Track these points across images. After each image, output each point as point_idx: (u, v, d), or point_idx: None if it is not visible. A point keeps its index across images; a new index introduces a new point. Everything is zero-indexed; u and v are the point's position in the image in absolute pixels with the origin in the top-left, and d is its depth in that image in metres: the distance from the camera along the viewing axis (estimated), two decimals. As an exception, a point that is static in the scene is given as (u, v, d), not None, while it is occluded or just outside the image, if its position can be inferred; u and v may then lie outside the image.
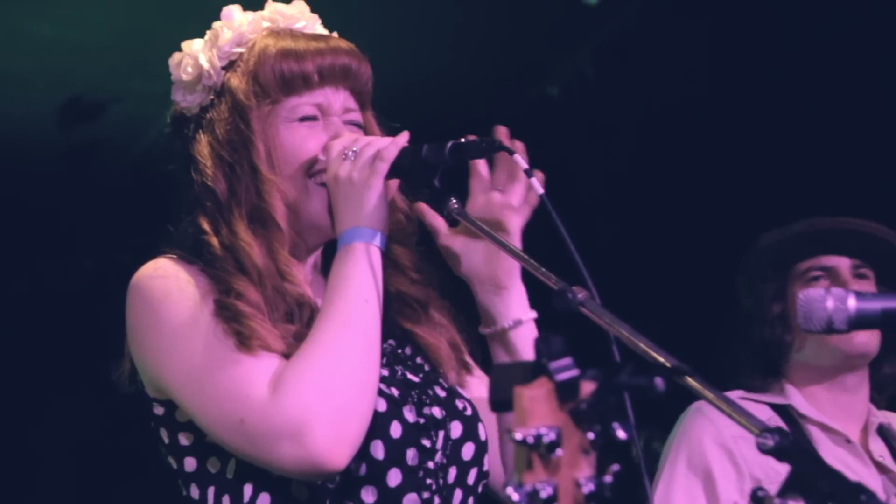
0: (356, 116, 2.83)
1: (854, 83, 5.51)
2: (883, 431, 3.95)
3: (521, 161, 2.61)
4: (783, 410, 3.88)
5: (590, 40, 6.02)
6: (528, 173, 2.60)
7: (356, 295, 2.64)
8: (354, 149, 2.71)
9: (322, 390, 2.54)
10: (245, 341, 2.57)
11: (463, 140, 2.69)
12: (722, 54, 5.65)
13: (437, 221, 2.82)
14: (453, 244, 2.82)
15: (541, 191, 2.58)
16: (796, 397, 3.90)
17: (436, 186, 2.71)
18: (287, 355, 2.59)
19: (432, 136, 2.73)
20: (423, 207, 2.80)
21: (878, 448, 3.88)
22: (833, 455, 3.80)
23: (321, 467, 2.52)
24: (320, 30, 2.88)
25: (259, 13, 2.85)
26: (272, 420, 2.52)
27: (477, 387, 2.86)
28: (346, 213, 2.69)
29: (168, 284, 2.65)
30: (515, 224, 2.76)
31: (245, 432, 2.54)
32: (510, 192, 2.77)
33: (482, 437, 2.77)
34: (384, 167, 2.68)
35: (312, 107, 2.77)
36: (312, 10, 2.89)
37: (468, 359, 2.89)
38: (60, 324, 5.92)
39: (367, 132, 2.84)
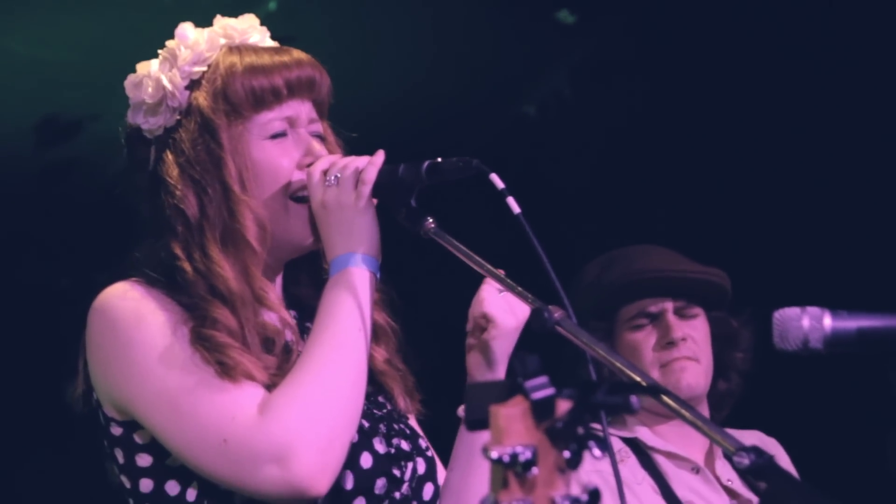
0: (319, 128, 2.83)
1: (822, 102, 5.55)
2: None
3: (498, 181, 2.60)
4: (632, 443, 3.91)
5: (567, 60, 6.03)
6: (504, 194, 2.59)
7: (349, 322, 2.63)
8: (336, 174, 2.70)
9: (311, 416, 2.53)
10: (229, 371, 2.56)
11: (439, 160, 2.69)
12: (699, 73, 5.67)
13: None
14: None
15: (517, 210, 2.58)
16: (641, 430, 3.93)
17: (412, 206, 2.71)
18: (268, 386, 2.59)
19: (409, 155, 2.73)
20: None
21: (726, 472, 3.87)
22: (684, 484, 3.82)
23: (303, 493, 2.52)
24: (270, 43, 2.86)
25: (212, 30, 2.82)
26: (258, 441, 2.52)
27: (414, 423, 2.87)
28: (338, 240, 2.69)
29: (139, 307, 2.63)
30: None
31: (227, 453, 2.53)
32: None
33: (439, 481, 2.79)
34: (367, 189, 2.68)
35: (282, 121, 2.76)
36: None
37: (415, 390, 2.88)
38: (36, 342, 5.89)
39: (325, 141, 2.83)
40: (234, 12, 2.86)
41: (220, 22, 2.84)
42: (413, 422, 2.87)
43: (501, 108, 6.10)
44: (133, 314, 2.63)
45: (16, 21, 5.28)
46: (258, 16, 2.85)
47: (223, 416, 2.54)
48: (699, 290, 3.97)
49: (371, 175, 2.68)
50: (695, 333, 3.94)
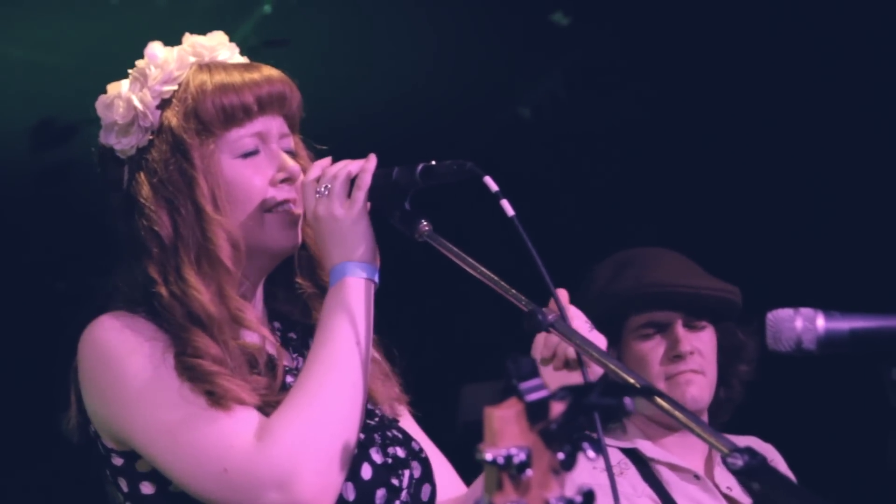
0: (290, 142, 2.82)
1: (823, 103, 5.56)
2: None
3: (492, 184, 2.60)
4: (632, 454, 3.91)
5: (562, 62, 6.03)
6: (498, 197, 2.58)
7: (347, 337, 2.64)
8: (327, 184, 2.70)
9: (310, 439, 2.54)
10: (219, 400, 2.56)
11: (434, 163, 2.69)
12: (696, 74, 5.68)
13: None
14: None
15: (511, 213, 2.57)
16: (641, 440, 3.93)
17: (406, 209, 2.71)
18: (259, 407, 2.59)
19: (404, 158, 2.74)
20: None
21: (725, 479, 3.87)
22: (684, 493, 3.82)
23: None
24: (238, 58, 2.86)
25: (182, 48, 2.82)
26: (258, 468, 2.52)
27: (408, 421, 2.88)
28: (335, 250, 2.69)
29: (126, 340, 2.63)
30: None
31: (228, 482, 2.53)
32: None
33: (435, 481, 2.79)
34: (362, 196, 2.68)
35: (253, 138, 2.75)
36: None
37: (400, 391, 2.89)
38: (33, 345, 5.89)
39: (296, 156, 2.82)
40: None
41: (189, 40, 2.83)
42: (404, 422, 2.87)
43: (496, 110, 6.10)
44: (122, 348, 2.63)
45: (12, 25, 5.29)
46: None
47: (220, 445, 2.54)
48: (711, 305, 3.97)
49: (366, 181, 2.68)
50: (702, 346, 3.94)
